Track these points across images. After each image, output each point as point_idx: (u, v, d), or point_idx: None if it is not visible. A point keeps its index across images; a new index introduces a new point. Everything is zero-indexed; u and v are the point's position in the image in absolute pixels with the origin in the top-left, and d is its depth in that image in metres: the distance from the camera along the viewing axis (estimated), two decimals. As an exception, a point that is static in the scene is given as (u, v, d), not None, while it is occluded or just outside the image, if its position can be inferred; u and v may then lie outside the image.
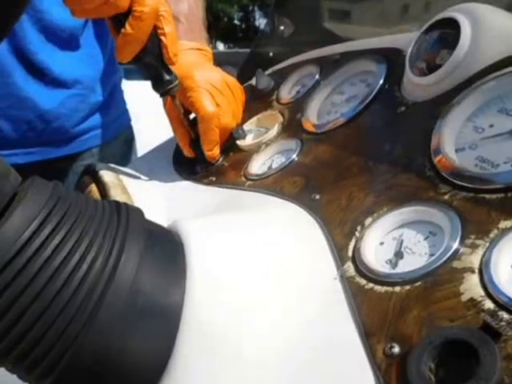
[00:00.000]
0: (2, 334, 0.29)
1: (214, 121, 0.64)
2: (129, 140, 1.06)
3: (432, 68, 0.46)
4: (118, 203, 0.37)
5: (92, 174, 0.65)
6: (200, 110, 0.63)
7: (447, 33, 0.46)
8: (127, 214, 0.36)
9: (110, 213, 0.35)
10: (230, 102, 0.67)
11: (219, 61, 0.73)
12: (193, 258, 0.36)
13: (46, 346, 0.29)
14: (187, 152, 0.68)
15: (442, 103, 0.44)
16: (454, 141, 0.40)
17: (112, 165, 0.70)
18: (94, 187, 0.63)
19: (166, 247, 0.37)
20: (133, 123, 1.08)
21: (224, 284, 0.36)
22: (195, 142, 0.66)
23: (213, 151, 0.65)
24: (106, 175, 0.63)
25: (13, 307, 0.29)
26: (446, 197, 0.37)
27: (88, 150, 0.94)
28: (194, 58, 0.70)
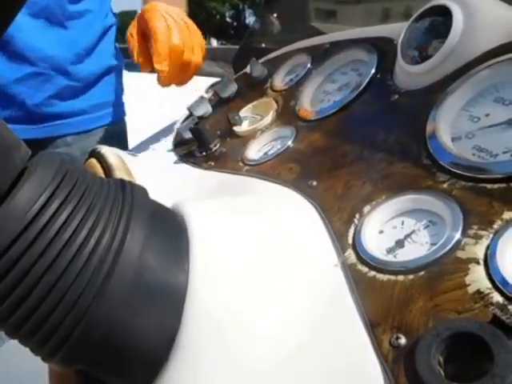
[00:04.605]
0: (15, 306, 0.26)
1: (163, 37, 0.62)
2: (118, 134, 0.95)
3: (424, 56, 0.41)
4: (123, 181, 0.33)
5: (97, 157, 0.61)
6: (153, 27, 0.63)
7: (438, 21, 0.40)
8: (132, 192, 0.32)
9: (116, 190, 0.31)
10: (182, 30, 0.65)
11: (213, 56, 0.68)
12: (195, 239, 0.32)
13: (57, 318, 0.26)
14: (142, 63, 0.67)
15: (435, 91, 0.39)
16: (450, 130, 0.36)
17: (116, 149, 0.65)
18: (99, 169, 0.59)
19: (169, 227, 0.33)
20: (130, 113, 0.99)
21: (225, 267, 0.32)
22: (194, 129, 0.61)
23: (162, 64, 0.62)
24: (111, 157, 0.58)
25: (24, 279, 0.25)
26: (445, 185, 0.33)
27: (61, 138, 0.84)
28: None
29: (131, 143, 0.96)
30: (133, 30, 0.67)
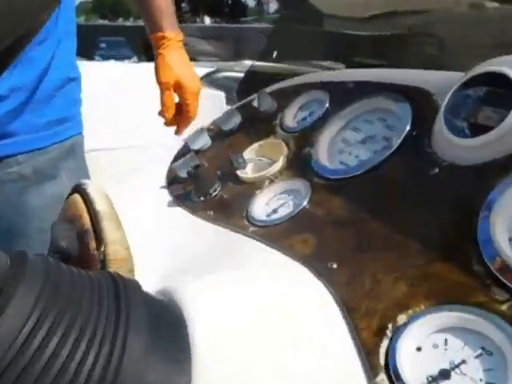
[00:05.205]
0: None
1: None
2: (74, 150, 0.96)
3: (474, 128, 0.37)
4: (116, 285, 0.33)
5: (82, 195, 0.58)
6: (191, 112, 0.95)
7: (493, 89, 0.37)
8: (126, 298, 0.32)
9: (108, 295, 0.31)
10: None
11: (204, 35, 0.66)
12: (196, 339, 0.31)
13: None
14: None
15: (490, 173, 0.35)
16: (508, 227, 0.32)
17: (101, 185, 0.62)
18: (84, 213, 0.56)
19: (168, 331, 0.33)
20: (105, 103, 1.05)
21: (230, 367, 0.31)
22: (192, 174, 0.57)
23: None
24: (99, 202, 0.56)
25: None
26: (503, 307, 0.29)
27: (12, 157, 0.84)
28: (178, 58, 0.94)
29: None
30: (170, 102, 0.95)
